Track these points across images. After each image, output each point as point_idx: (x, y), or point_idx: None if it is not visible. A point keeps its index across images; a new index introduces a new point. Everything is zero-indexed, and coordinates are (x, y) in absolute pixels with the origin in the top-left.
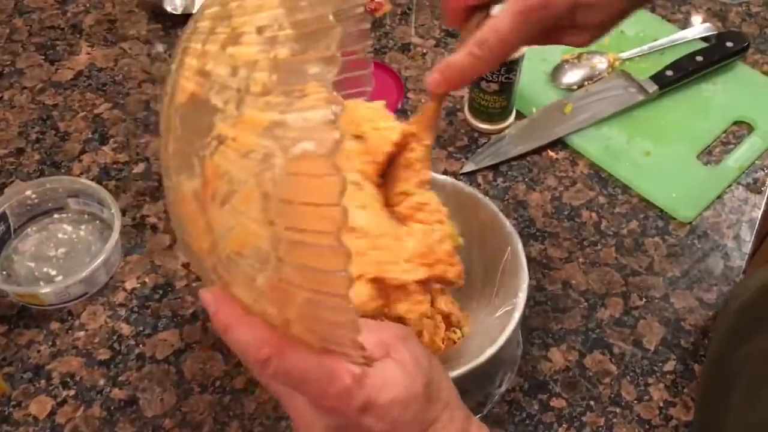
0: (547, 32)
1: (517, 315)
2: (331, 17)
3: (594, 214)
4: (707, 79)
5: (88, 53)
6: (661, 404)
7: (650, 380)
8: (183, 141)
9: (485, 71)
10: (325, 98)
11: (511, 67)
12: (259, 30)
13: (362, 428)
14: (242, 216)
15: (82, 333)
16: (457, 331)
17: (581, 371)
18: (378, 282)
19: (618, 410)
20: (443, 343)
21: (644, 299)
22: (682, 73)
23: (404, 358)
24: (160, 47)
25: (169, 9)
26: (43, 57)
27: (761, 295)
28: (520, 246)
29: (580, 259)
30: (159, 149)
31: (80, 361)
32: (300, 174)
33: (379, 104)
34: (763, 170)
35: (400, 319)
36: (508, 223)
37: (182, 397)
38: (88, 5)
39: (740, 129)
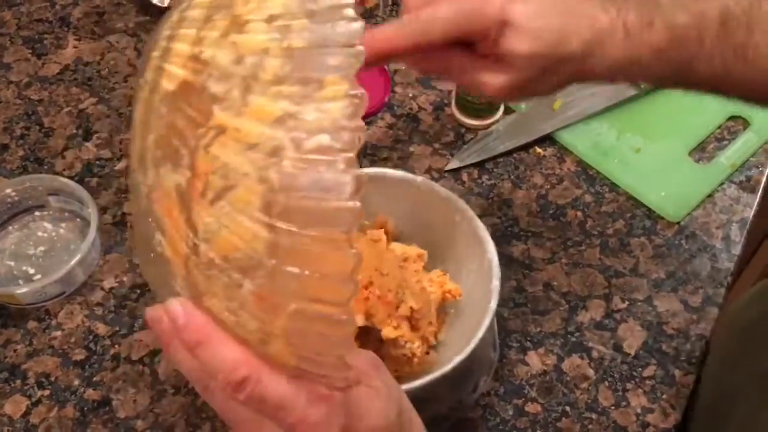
0: (469, 59)
1: (486, 321)
2: (351, 10)
3: (580, 213)
4: None
5: (75, 47)
6: (639, 410)
7: (629, 386)
8: (170, 130)
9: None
10: (345, 91)
11: None
12: (270, 18)
13: None
14: (238, 214)
15: (58, 333)
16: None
17: (558, 376)
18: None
19: (594, 416)
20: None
21: (627, 302)
22: None
23: (379, 386)
24: (147, 40)
25: (155, 1)
26: (31, 51)
27: (762, 317)
28: (492, 248)
29: (563, 260)
30: (130, 142)
31: (56, 361)
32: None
33: None
34: (758, 168)
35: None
36: (481, 227)
37: (155, 399)
38: None
39: (735, 124)
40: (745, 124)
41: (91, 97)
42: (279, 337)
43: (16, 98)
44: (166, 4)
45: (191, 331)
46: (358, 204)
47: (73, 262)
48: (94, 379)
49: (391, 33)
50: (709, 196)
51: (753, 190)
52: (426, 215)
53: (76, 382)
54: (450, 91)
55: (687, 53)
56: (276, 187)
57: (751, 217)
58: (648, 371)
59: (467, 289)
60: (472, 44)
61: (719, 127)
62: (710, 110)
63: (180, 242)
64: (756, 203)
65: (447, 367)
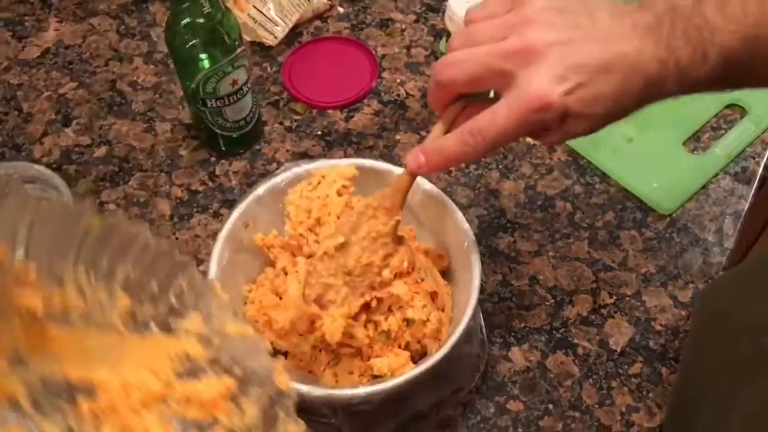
0: (536, 131)
1: (465, 320)
2: None
3: (569, 205)
4: None
5: (57, 29)
6: (624, 409)
7: (614, 383)
8: None
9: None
10: None
11: None
12: None
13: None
14: None
15: None
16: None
17: (542, 372)
18: None
19: (577, 414)
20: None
21: (614, 297)
22: None
23: None
24: (129, 22)
25: None
26: (11, 33)
27: (733, 304)
28: (474, 246)
29: (550, 253)
30: None
31: None
32: None
33: None
34: (754, 158)
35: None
36: (464, 222)
37: None
38: None
39: (732, 113)
40: (743, 112)
41: (72, 82)
42: None
43: None
44: None
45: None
46: None
47: None
48: None
49: (450, 153)
50: (703, 187)
51: (748, 182)
52: (414, 209)
53: None
54: None
55: (743, 72)
56: None
57: (745, 209)
58: (634, 369)
59: (454, 280)
60: None
61: (715, 116)
62: (707, 98)
63: None
64: (751, 195)
65: (428, 363)
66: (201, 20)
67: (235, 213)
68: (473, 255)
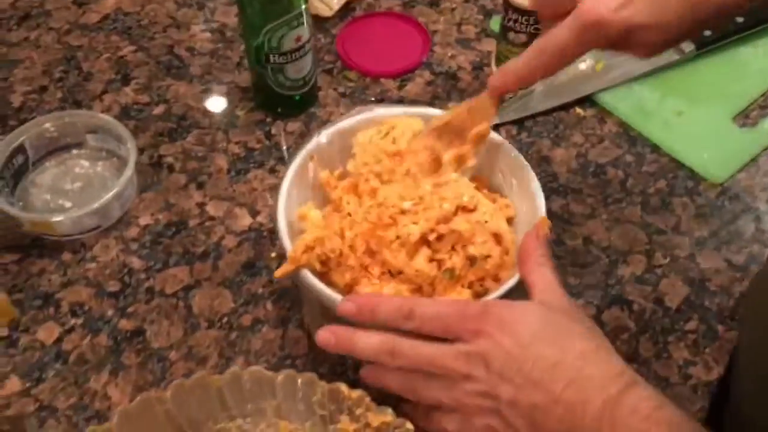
0: (606, 46)
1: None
2: None
3: (620, 172)
4: (747, 42)
5: None
6: (681, 363)
7: (670, 338)
8: None
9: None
10: None
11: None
12: None
13: (501, 346)
14: None
15: (93, 265)
16: None
17: (598, 325)
18: None
19: (634, 366)
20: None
21: (668, 258)
22: (721, 33)
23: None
24: None
25: None
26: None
27: None
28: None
29: (603, 216)
30: None
31: (90, 292)
32: None
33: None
34: None
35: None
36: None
37: (189, 332)
38: None
39: None
40: None
41: (130, 45)
42: None
43: (55, 43)
44: None
45: (364, 304)
46: None
47: (110, 194)
48: (128, 310)
49: (522, 71)
50: (753, 160)
51: None
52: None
53: (110, 312)
54: (490, 52)
55: None
56: None
57: None
58: (690, 325)
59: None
60: None
61: (763, 95)
62: (754, 77)
63: None
64: None
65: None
66: None
67: (307, 147)
68: (537, 200)
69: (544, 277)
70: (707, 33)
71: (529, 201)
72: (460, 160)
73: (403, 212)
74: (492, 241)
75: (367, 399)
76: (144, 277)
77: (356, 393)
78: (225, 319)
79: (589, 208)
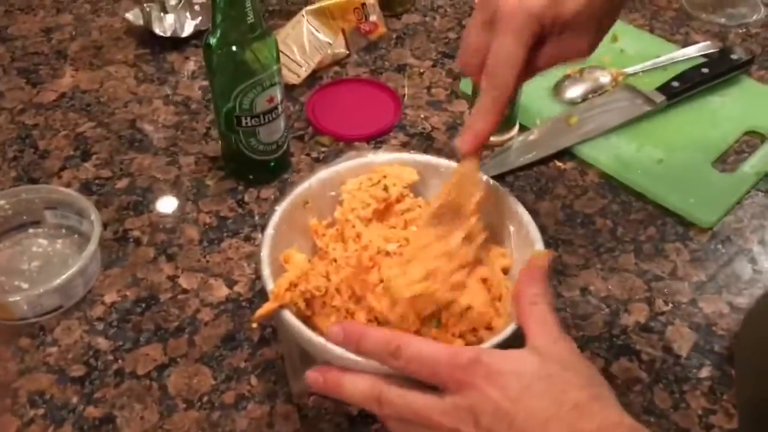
0: (547, 45)
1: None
2: None
3: (609, 221)
4: (714, 92)
5: (73, 76)
6: (700, 412)
7: (685, 387)
8: None
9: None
10: None
11: None
12: None
13: (490, 400)
14: None
15: (54, 349)
16: None
17: (609, 379)
18: None
19: (653, 419)
20: None
21: (670, 304)
22: (689, 83)
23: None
24: (147, 69)
25: (157, 32)
26: (25, 80)
27: None
28: (528, 217)
29: (598, 266)
30: None
31: (51, 378)
32: None
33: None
34: None
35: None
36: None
37: (165, 415)
38: (74, 33)
39: (752, 139)
40: (762, 138)
41: (90, 122)
42: None
43: (9, 123)
44: (168, 35)
45: (352, 332)
46: None
47: (73, 270)
48: (95, 395)
49: (484, 107)
50: (738, 203)
51: None
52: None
53: (75, 400)
54: (462, 112)
55: None
56: None
57: None
58: (704, 372)
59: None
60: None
61: (737, 141)
62: (726, 125)
63: None
64: None
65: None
66: (243, 29)
67: (297, 190)
68: (537, 245)
69: (538, 320)
70: (675, 84)
71: (528, 247)
72: (470, 238)
73: (387, 254)
74: (481, 288)
75: None
76: (112, 359)
77: None
78: (205, 398)
79: (582, 259)
